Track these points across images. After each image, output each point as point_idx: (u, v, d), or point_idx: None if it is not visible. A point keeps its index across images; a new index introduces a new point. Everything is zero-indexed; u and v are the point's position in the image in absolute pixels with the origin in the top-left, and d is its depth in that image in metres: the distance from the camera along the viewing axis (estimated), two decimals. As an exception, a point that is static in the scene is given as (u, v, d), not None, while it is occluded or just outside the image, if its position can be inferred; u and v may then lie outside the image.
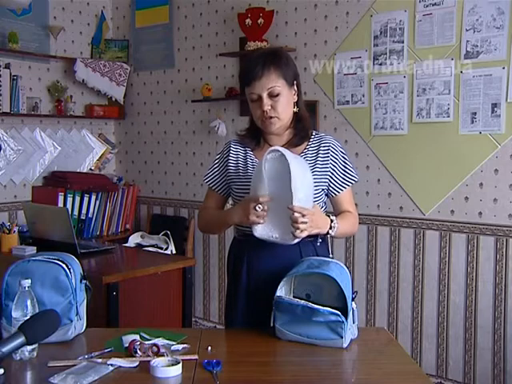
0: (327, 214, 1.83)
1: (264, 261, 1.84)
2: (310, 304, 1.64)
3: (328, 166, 1.88)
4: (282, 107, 1.81)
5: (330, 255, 1.88)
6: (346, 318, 1.64)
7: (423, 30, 3.15)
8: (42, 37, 4.24)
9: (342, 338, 1.64)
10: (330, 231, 1.78)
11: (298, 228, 1.66)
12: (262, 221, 1.70)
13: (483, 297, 3.09)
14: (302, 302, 1.65)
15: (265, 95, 1.79)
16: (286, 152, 1.69)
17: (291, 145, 1.87)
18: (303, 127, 1.90)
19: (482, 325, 3.10)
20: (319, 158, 1.88)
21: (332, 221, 1.78)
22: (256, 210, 1.68)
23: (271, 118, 1.81)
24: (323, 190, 1.89)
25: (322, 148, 1.90)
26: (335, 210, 1.97)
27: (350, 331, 1.69)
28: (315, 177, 1.84)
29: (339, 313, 1.64)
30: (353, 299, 1.71)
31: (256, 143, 1.91)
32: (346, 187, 1.92)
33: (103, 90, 4.48)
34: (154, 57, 4.47)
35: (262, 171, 1.70)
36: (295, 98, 1.87)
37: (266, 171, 1.70)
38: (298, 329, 1.68)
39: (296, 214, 1.66)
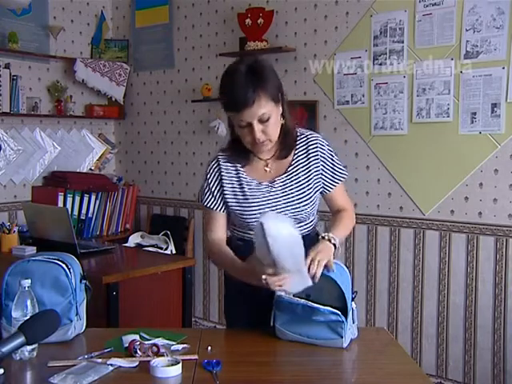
0: (320, 235, 1.77)
1: None
2: (310, 303, 1.65)
3: (319, 166, 1.86)
4: (273, 129, 1.74)
5: None
6: (346, 318, 1.65)
7: (423, 30, 3.15)
8: (41, 37, 4.24)
9: (342, 337, 1.64)
10: (337, 247, 1.76)
11: (315, 274, 1.63)
12: (282, 285, 1.61)
13: (483, 297, 3.09)
14: (302, 300, 1.65)
15: (255, 122, 1.69)
16: (267, 227, 1.55)
17: (280, 157, 1.83)
18: (290, 138, 1.84)
19: (481, 325, 3.10)
20: (311, 161, 1.85)
21: (330, 240, 1.73)
22: (271, 282, 1.60)
23: (263, 141, 1.74)
24: (318, 191, 1.88)
25: (310, 149, 1.86)
26: (330, 207, 1.97)
27: (350, 331, 1.70)
28: (311, 180, 1.84)
29: (339, 312, 1.64)
30: (353, 299, 1.71)
31: (245, 159, 1.84)
32: (337, 184, 1.91)
33: (103, 89, 4.48)
34: (153, 57, 4.47)
35: (266, 238, 1.55)
36: (281, 110, 1.77)
37: (267, 237, 1.55)
38: (298, 329, 1.68)
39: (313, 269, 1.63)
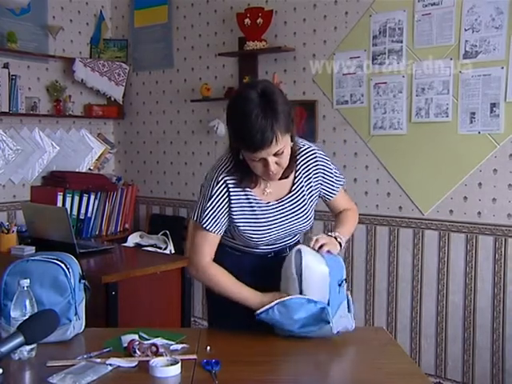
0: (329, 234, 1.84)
1: (258, 271, 1.85)
2: (282, 299, 1.66)
3: (318, 179, 1.87)
4: (286, 160, 1.69)
5: None
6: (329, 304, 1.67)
7: (422, 29, 3.15)
8: (40, 36, 4.24)
9: (329, 323, 1.65)
10: (342, 246, 1.81)
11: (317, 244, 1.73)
12: None
13: (482, 296, 3.09)
14: (274, 302, 1.66)
15: (271, 158, 1.64)
16: (305, 258, 1.69)
17: (283, 177, 1.79)
18: (295, 159, 1.80)
19: (480, 324, 3.10)
20: (311, 176, 1.85)
21: (336, 238, 1.79)
22: None
23: (276, 173, 1.70)
24: (316, 203, 1.91)
25: (311, 166, 1.84)
26: (332, 211, 2.00)
27: (344, 319, 1.71)
28: (313, 195, 1.86)
29: (316, 299, 1.66)
30: (340, 285, 1.73)
31: (253, 182, 1.78)
32: (338, 190, 1.93)
33: (102, 89, 4.48)
34: (153, 56, 4.46)
35: (293, 272, 1.69)
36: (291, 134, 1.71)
37: (295, 272, 1.69)
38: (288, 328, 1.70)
39: (312, 242, 1.74)
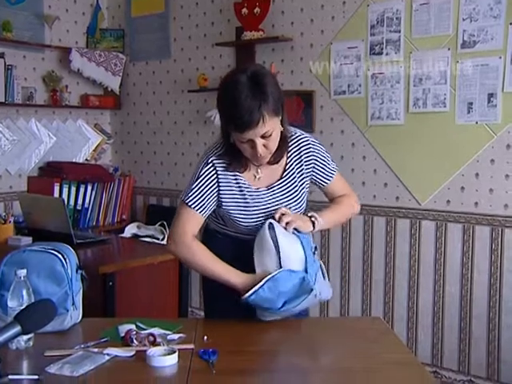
0: (305, 213, 1.86)
1: (247, 256, 1.84)
2: (270, 275, 1.67)
3: (310, 167, 1.88)
4: (274, 143, 1.72)
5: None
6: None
7: (420, 19, 3.14)
8: (36, 26, 4.21)
9: (312, 290, 1.68)
10: (315, 227, 1.81)
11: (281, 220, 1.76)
12: None
13: (478, 286, 3.10)
14: (263, 281, 1.67)
15: (258, 140, 1.67)
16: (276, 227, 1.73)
17: (272, 163, 1.81)
18: (285, 144, 1.82)
19: (477, 314, 3.11)
20: (303, 164, 1.87)
21: (311, 217, 1.81)
22: None
23: (264, 155, 1.72)
24: (307, 191, 1.91)
25: (303, 153, 1.86)
26: (329, 199, 2.00)
27: (323, 285, 1.76)
28: (304, 183, 1.88)
29: (296, 269, 1.70)
30: (314, 253, 1.77)
31: (242, 166, 1.80)
32: (331, 178, 1.93)
33: (99, 79, 4.46)
34: (149, 46, 4.44)
35: (270, 244, 1.71)
36: (280, 118, 1.74)
37: (273, 244, 1.71)
38: (273, 305, 1.71)
39: (277, 215, 1.76)
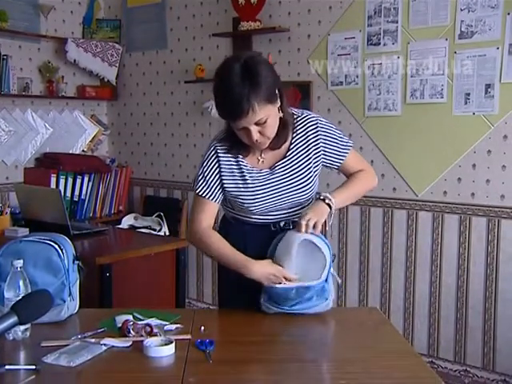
0: (318, 196, 1.83)
1: (263, 243, 1.85)
2: (304, 284, 1.68)
3: (319, 147, 1.84)
4: (270, 129, 1.71)
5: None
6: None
7: (417, 9, 3.13)
8: (32, 16, 4.18)
9: (327, 299, 1.74)
10: (332, 208, 1.78)
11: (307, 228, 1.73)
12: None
13: (475, 277, 3.11)
14: (295, 284, 1.69)
15: (253, 127, 1.66)
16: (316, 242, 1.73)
17: (274, 148, 1.80)
18: (287, 130, 1.81)
19: (473, 305, 3.13)
20: (310, 143, 1.84)
21: (324, 199, 1.77)
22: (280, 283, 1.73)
23: (260, 142, 1.72)
24: (318, 172, 1.88)
25: (309, 132, 1.83)
26: (346, 176, 1.97)
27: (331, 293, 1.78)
28: (311, 162, 1.84)
29: (325, 280, 1.73)
30: (333, 261, 1.79)
31: (244, 150, 1.80)
32: (346, 155, 1.89)
33: (95, 70, 4.43)
34: (146, 37, 4.42)
35: (292, 252, 1.72)
36: (279, 103, 1.72)
37: (295, 253, 1.72)
38: (285, 304, 1.73)
39: (303, 228, 1.72)
